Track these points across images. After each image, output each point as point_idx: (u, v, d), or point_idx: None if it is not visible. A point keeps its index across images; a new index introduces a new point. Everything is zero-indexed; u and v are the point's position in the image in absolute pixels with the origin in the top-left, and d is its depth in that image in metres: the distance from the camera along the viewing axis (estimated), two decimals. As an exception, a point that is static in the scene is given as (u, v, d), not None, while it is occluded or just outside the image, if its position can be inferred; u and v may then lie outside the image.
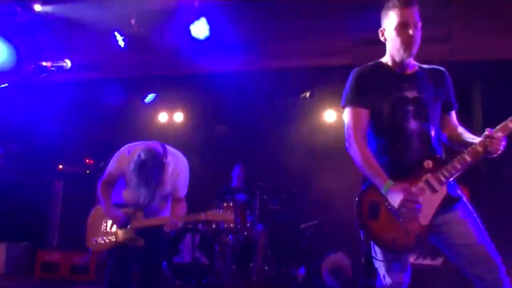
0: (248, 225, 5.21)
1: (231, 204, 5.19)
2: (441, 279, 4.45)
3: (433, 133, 2.28)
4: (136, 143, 3.43)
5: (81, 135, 6.56)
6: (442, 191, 2.18)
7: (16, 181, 6.44)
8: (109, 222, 3.37)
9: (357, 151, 2.24)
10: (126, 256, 3.29)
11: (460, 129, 2.38)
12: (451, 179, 2.19)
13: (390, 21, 2.26)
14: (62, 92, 6.42)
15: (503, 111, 2.26)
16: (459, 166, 2.16)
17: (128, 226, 3.28)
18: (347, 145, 2.31)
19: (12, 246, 5.97)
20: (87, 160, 5.93)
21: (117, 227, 3.31)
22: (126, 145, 3.45)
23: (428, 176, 2.19)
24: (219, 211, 3.50)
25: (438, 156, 2.25)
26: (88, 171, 5.83)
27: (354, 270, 4.92)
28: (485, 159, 2.19)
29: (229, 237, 5.23)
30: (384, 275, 2.28)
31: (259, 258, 5.32)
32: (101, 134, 6.33)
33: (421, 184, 2.18)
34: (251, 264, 5.21)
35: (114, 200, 3.41)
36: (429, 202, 2.17)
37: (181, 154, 3.51)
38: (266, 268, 5.43)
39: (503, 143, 2.13)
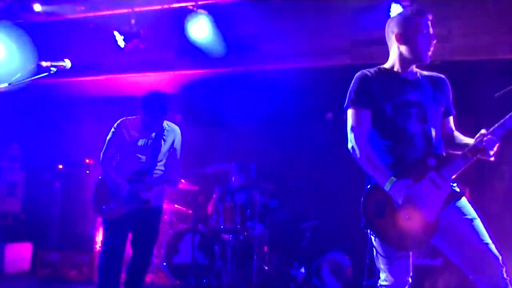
0: (248, 224, 5.21)
1: (231, 204, 5.19)
2: (441, 279, 4.46)
3: (434, 134, 2.35)
4: None
5: (81, 134, 6.56)
6: (446, 187, 2.22)
7: (16, 181, 6.44)
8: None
9: (359, 151, 2.29)
10: (120, 228, 3.43)
11: (456, 133, 2.47)
12: (454, 176, 2.24)
13: (413, 26, 2.33)
14: (62, 92, 6.43)
15: (504, 111, 2.27)
16: (461, 163, 2.21)
17: (137, 191, 3.41)
18: (349, 145, 2.35)
19: (12, 246, 5.97)
20: (87, 160, 5.93)
21: (124, 195, 3.41)
22: None
23: (432, 173, 2.23)
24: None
25: (440, 154, 2.30)
26: (88, 171, 5.83)
27: (354, 270, 4.92)
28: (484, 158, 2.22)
29: (229, 237, 5.23)
30: (386, 275, 2.29)
31: (259, 258, 5.32)
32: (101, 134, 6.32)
33: (425, 181, 2.22)
34: (251, 264, 5.21)
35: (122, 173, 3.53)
36: (434, 198, 2.21)
37: None
38: (266, 268, 5.43)
39: (496, 140, 2.18)
